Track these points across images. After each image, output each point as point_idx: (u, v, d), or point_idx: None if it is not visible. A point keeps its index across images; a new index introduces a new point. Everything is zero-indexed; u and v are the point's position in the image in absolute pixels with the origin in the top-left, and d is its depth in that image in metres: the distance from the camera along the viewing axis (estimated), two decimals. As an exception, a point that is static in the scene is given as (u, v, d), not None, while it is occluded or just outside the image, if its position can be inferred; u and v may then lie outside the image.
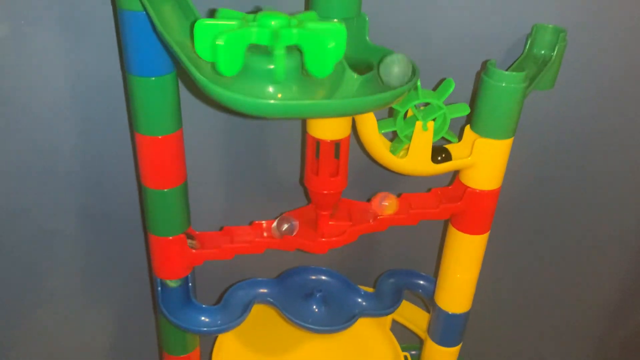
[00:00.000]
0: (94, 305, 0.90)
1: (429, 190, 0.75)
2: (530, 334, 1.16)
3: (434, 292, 0.83)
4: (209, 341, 0.94)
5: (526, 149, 0.87)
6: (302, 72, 0.49)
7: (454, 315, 0.80)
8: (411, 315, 0.91)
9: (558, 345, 1.20)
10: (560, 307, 1.13)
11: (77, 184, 0.78)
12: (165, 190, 0.66)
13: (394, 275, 0.88)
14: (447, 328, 0.81)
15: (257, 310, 0.93)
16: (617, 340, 1.22)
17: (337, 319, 0.78)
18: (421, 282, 0.88)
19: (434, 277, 0.87)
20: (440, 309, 0.80)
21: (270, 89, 0.48)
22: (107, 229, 0.83)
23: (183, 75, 0.61)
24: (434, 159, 0.67)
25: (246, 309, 0.74)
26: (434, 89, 0.69)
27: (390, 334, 0.91)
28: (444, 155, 0.68)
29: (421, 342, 0.96)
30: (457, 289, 0.77)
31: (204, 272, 0.87)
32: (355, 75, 0.53)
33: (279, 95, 0.48)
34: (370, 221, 0.71)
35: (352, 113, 0.55)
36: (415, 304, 0.94)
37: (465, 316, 0.80)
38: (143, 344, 0.96)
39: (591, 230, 1.01)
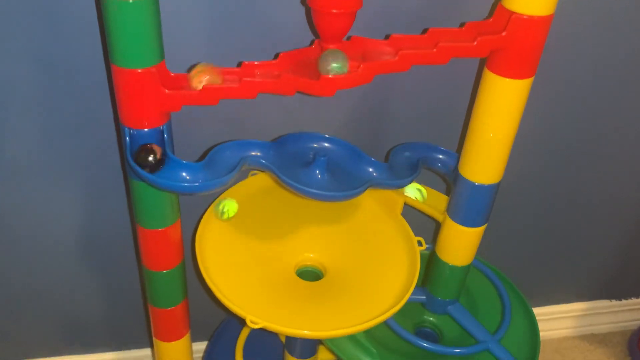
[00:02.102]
0: (60, 177, 0.77)
1: (462, 25, 0.61)
2: (562, 222, 1.04)
3: (455, 167, 0.71)
4: (191, 220, 0.83)
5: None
6: None
7: (482, 187, 0.67)
8: (427, 196, 0.79)
9: (588, 241, 1.09)
10: (599, 197, 1.01)
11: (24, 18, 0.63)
12: (130, 0, 0.51)
13: (409, 149, 0.75)
14: (471, 203, 0.69)
15: (249, 189, 0.81)
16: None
17: (345, 187, 0.66)
18: (440, 156, 0.76)
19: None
20: (464, 180, 0.68)
21: None
22: (66, 75, 0.69)
23: None
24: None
25: (234, 169, 0.61)
26: None
27: (402, 218, 0.80)
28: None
29: (437, 227, 0.85)
30: (488, 152, 0.65)
31: (182, 135, 0.74)
32: None
33: None
34: (389, 57, 0.57)
35: None
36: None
37: (494, 189, 0.68)
38: (116, 219, 0.84)
39: None
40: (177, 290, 0.75)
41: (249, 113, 0.77)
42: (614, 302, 1.22)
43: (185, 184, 0.58)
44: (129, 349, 1.00)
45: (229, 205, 0.72)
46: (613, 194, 1.01)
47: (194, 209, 0.83)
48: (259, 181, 0.83)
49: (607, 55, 0.81)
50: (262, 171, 0.69)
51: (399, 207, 0.79)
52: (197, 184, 0.58)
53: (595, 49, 0.80)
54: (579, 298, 1.20)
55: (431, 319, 0.86)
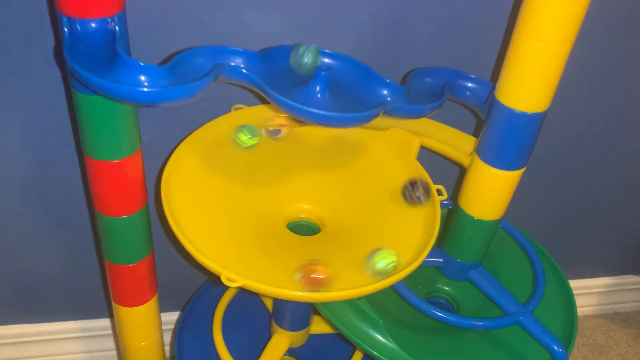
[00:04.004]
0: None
1: None
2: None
3: (490, 94, 0.57)
4: (157, 154, 0.69)
5: None
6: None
7: (524, 117, 0.53)
8: (449, 137, 0.65)
9: (620, 209, 0.96)
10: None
11: None
12: None
13: (431, 74, 0.61)
14: (509, 138, 0.54)
15: (231, 125, 0.67)
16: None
17: (352, 110, 0.52)
18: (470, 84, 0.61)
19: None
20: (502, 107, 0.53)
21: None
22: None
23: None
24: None
25: (206, 76, 0.47)
26: None
27: (417, 163, 0.66)
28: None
29: (459, 179, 0.72)
30: (536, 68, 0.50)
31: (140, 42, 0.59)
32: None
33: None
34: None
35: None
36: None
37: (538, 120, 0.54)
38: (62, 155, 0.69)
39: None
40: (140, 242, 0.61)
41: (233, 24, 0.61)
42: (642, 278, 1.09)
43: (144, 89, 0.44)
44: (91, 318, 0.87)
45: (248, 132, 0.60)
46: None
47: (159, 146, 0.68)
48: (244, 118, 0.69)
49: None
50: (246, 86, 0.55)
51: (414, 150, 0.65)
52: (156, 90, 0.44)
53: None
54: (604, 272, 1.07)
55: (446, 288, 0.73)
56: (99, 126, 0.51)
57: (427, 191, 0.60)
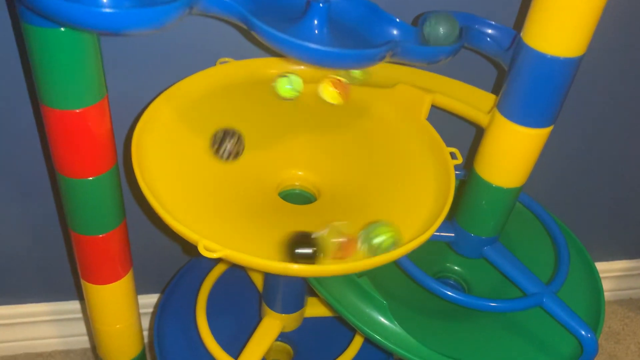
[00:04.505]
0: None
1: None
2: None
3: (515, 39, 0.49)
4: (130, 108, 0.61)
5: None
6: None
7: (556, 62, 0.45)
8: (464, 94, 0.57)
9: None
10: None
11: None
12: None
13: (445, 18, 0.53)
14: (538, 87, 0.46)
15: (215, 81, 0.59)
16: None
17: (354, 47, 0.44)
18: (490, 30, 0.54)
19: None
20: (531, 52, 0.45)
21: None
22: None
23: None
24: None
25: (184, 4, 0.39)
26: None
27: (428, 123, 0.58)
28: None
29: (474, 143, 0.64)
30: (573, 5, 0.43)
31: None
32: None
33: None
34: None
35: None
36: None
37: (573, 65, 0.46)
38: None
39: None
40: (110, 209, 0.53)
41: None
42: (660, 262, 1.02)
43: (104, 10, 0.35)
44: (61, 300, 0.79)
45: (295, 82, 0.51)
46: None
47: (132, 99, 0.61)
48: (230, 72, 0.61)
49: None
50: (231, 21, 0.47)
51: (425, 110, 0.58)
52: (119, 11, 0.35)
53: None
54: (620, 255, 1.00)
55: (456, 267, 0.66)
56: (55, 66, 0.43)
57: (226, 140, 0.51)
